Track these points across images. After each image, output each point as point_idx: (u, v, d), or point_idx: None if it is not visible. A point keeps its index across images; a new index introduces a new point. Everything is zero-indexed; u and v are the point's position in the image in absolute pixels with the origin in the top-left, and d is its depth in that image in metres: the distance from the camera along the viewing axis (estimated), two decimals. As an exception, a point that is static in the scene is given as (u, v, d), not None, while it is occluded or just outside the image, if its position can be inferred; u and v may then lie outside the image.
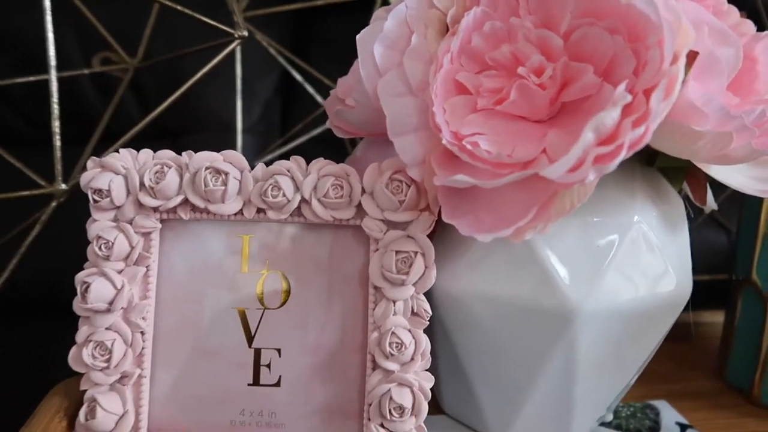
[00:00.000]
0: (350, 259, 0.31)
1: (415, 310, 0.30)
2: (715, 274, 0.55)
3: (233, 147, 0.56)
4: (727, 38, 0.26)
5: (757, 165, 0.32)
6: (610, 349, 0.31)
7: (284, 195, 0.30)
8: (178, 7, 0.41)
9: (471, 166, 0.26)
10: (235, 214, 0.31)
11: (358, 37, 0.30)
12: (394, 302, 0.30)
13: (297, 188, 0.30)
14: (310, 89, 0.59)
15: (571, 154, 0.23)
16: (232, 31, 0.40)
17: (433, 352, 0.35)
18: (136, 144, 0.59)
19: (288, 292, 0.31)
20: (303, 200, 0.30)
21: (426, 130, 0.29)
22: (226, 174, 0.30)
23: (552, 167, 0.24)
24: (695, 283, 0.59)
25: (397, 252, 0.29)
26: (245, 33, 0.40)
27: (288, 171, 0.30)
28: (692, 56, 0.25)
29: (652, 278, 0.31)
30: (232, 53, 0.50)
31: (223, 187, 0.30)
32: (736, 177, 0.31)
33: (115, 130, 0.52)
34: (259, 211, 0.30)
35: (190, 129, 0.69)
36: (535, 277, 0.30)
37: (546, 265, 0.29)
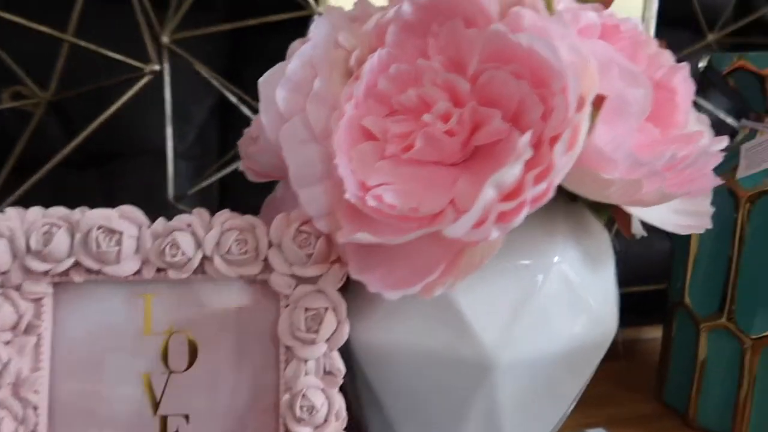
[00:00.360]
0: (260, 315, 0.29)
1: (328, 369, 0.28)
2: (661, 283, 0.55)
3: (165, 172, 0.54)
4: (637, 79, 0.25)
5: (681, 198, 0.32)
6: (535, 393, 0.30)
7: (183, 253, 0.28)
8: (81, 43, 0.38)
9: (376, 220, 0.25)
10: (134, 274, 0.28)
11: (260, 80, 0.28)
12: (306, 361, 0.28)
13: (198, 245, 0.28)
14: (247, 112, 0.56)
15: (471, 213, 0.22)
16: (141, 65, 0.38)
17: (360, 403, 0.34)
18: (63, 172, 0.56)
19: (195, 354, 0.29)
20: (205, 257, 0.28)
21: (332, 180, 0.27)
22: (120, 233, 0.27)
23: (453, 226, 0.22)
24: (640, 295, 0.60)
25: (306, 309, 0.28)
26: (156, 67, 0.38)
27: (189, 226, 0.28)
28: (600, 100, 0.24)
29: (574, 320, 0.30)
30: (160, 78, 0.48)
31: (117, 248, 0.27)
32: (657, 212, 0.30)
33: (41, 158, 0.49)
34: (160, 270, 0.28)
35: (120, 155, 0.66)
36: (452, 326, 0.28)
37: (462, 313, 0.28)
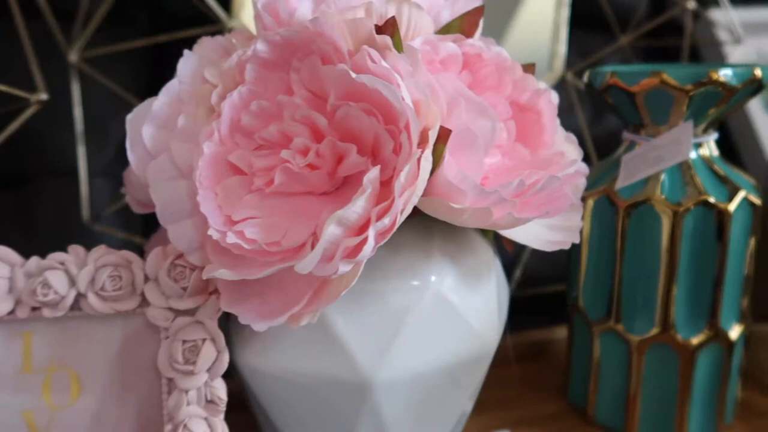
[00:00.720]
0: (143, 347, 0.30)
1: (209, 398, 0.29)
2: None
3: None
4: (484, 111, 0.26)
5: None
6: (420, 407, 0.32)
7: (56, 292, 0.28)
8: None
9: (240, 255, 0.26)
10: (9, 314, 0.28)
11: (128, 117, 0.29)
12: (187, 392, 0.28)
13: (72, 282, 0.28)
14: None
15: (316, 250, 0.23)
16: (26, 95, 0.37)
17: (259, 424, 0.35)
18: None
19: (78, 390, 0.29)
20: (80, 294, 0.28)
21: (201, 215, 0.27)
22: (-10, 274, 0.27)
23: (302, 263, 0.23)
24: (552, 295, 0.61)
25: (184, 341, 0.28)
26: (43, 96, 0.37)
27: (62, 264, 0.28)
28: (445, 134, 0.25)
29: (452, 338, 0.31)
30: (66, 94, 0.47)
31: (-14, 289, 0.27)
32: (527, 229, 0.31)
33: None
34: (35, 308, 0.28)
35: (36, 176, 0.64)
36: (330, 350, 0.29)
37: (339, 337, 0.29)
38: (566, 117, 0.49)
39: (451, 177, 0.25)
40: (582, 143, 0.64)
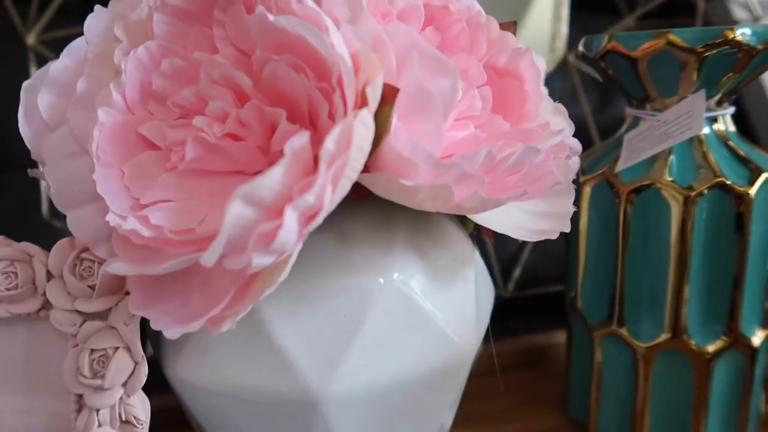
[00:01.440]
0: (51, 357, 0.25)
1: (124, 418, 0.24)
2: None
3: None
4: (443, 67, 0.21)
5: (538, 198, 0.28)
6: (382, 426, 0.27)
7: (-62, 292, 0.23)
8: None
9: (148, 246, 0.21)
10: None
11: (24, 84, 0.24)
12: (97, 411, 0.24)
13: (-39, 280, 0.24)
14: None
15: (219, 238, 0.18)
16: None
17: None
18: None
19: (-25, 406, 0.25)
20: (-30, 294, 0.24)
21: (107, 199, 0.23)
22: None
23: (205, 255, 0.18)
24: (549, 296, 0.56)
25: (92, 350, 0.24)
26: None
27: (-51, 258, 0.24)
28: (392, 93, 0.20)
29: (419, 344, 0.26)
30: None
31: None
32: (506, 217, 0.27)
33: None
34: None
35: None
36: (270, 360, 0.24)
37: (280, 345, 0.24)
38: (569, 104, 0.44)
39: (400, 147, 0.20)
40: (586, 132, 0.59)
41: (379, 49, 0.20)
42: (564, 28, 0.57)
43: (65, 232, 0.53)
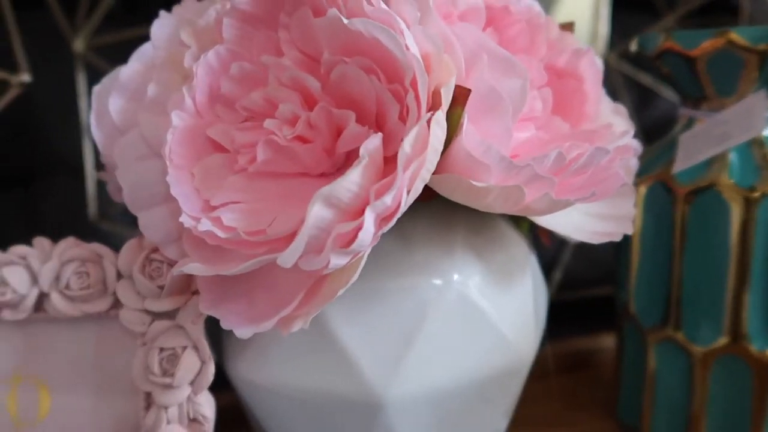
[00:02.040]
0: (119, 355, 0.26)
1: (192, 416, 0.25)
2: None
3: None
4: (511, 68, 0.21)
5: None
6: (443, 429, 0.27)
7: (15, 291, 0.24)
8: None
9: (219, 246, 0.21)
10: (-34, 316, 0.25)
11: (95, 88, 0.25)
12: (166, 408, 0.24)
13: (35, 280, 0.24)
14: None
15: (299, 239, 0.18)
16: (7, 77, 0.34)
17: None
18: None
19: (48, 404, 0.26)
20: (43, 293, 0.24)
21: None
22: (-58, 271, 0.24)
23: (284, 255, 0.19)
24: (595, 299, 0.55)
25: (161, 349, 0.24)
26: (25, 78, 0.34)
27: (23, 259, 0.25)
28: (463, 94, 0.20)
29: (479, 347, 0.26)
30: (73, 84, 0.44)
31: (-63, 288, 0.24)
32: (568, 218, 0.26)
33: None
34: (-5, 310, 0.25)
35: (45, 173, 0.62)
36: (333, 362, 0.25)
37: (343, 346, 0.24)
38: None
39: (471, 148, 0.20)
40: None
41: (448, 50, 0.20)
42: (604, 28, 0.56)
43: (111, 234, 0.54)
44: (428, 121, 0.19)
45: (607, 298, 0.54)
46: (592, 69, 0.26)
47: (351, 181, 0.18)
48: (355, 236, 0.18)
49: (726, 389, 0.33)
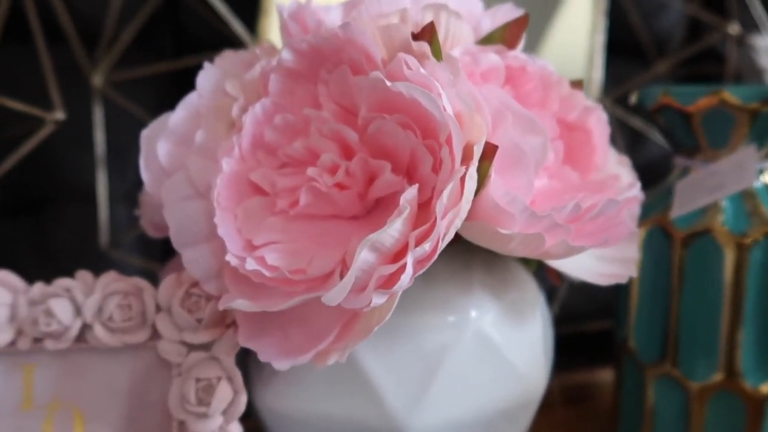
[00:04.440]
0: (154, 385, 0.27)
1: (224, 444, 0.26)
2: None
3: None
4: (533, 126, 0.23)
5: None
6: (458, 460, 0.28)
7: (60, 322, 0.25)
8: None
9: (261, 283, 0.23)
10: (9, 345, 0.26)
11: (143, 132, 0.27)
12: (199, 437, 0.26)
13: (78, 311, 0.26)
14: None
15: (346, 279, 0.20)
16: (42, 114, 0.36)
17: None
18: (-5, 220, 0.53)
19: (83, 430, 0.27)
20: (86, 325, 0.26)
21: (220, 239, 0.25)
22: (-10, 302, 0.25)
23: (329, 293, 0.20)
24: (593, 333, 0.57)
25: (197, 380, 0.25)
26: (59, 116, 0.36)
27: (68, 291, 0.26)
28: (491, 150, 0.22)
29: (495, 380, 0.28)
30: (89, 118, 0.46)
31: (-15, 318, 0.25)
32: (577, 261, 0.28)
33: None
34: (38, 340, 0.26)
35: (56, 200, 0.63)
36: (359, 393, 0.26)
37: (369, 379, 0.26)
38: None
39: (498, 198, 0.22)
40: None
41: (477, 109, 0.23)
42: (598, 75, 0.59)
43: (121, 264, 0.55)
44: (462, 176, 0.21)
45: (601, 332, 0.56)
46: (600, 124, 0.28)
47: (395, 229, 0.20)
48: (398, 278, 0.20)
49: (721, 424, 0.35)
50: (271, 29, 0.49)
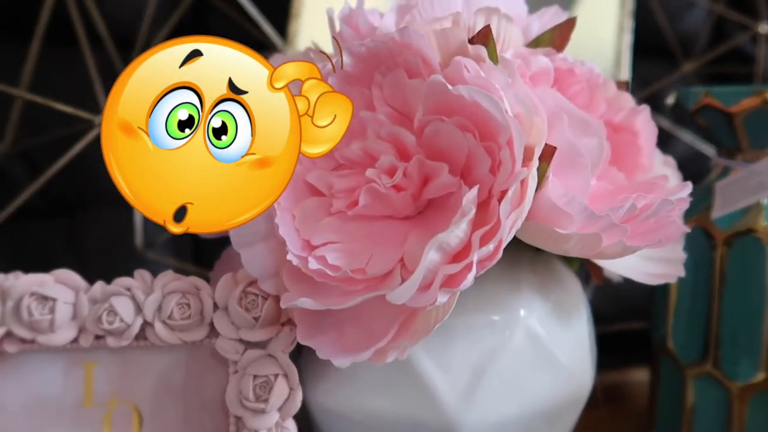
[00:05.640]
0: (209, 382, 0.28)
1: (280, 440, 0.26)
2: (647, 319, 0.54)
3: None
4: (589, 128, 0.23)
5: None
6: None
7: (122, 320, 0.26)
8: (27, 96, 0.37)
9: (321, 282, 0.23)
10: (72, 343, 0.27)
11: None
12: (257, 432, 0.26)
13: (139, 310, 0.26)
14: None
15: (413, 278, 0.20)
16: (89, 117, 0.37)
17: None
18: (30, 220, 0.54)
19: (139, 427, 0.27)
20: (146, 323, 0.26)
21: (277, 239, 0.25)
22: (54, 300, 0.26)
23: (395, 292, 0.21)
24: (626, 333, 0.57)
25: (255, 376, 0.26)
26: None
27: (128, 290, 0.27)
28: (550, 152, 0.23)
29: (544, 377, 0.28)
30: None
31: (50, 316, 0.26)
32: (626, 260, 0.28)
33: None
34: (99, 337, 0.27)
35: (89, 203, 0.64)
36: (412, 389, 0.27)
37: (422, 375, 0.26)
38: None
39: (556, 199, 0.22)
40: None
41: (535, 110, 0.23)
42: (626, 76, 0.59)
43: (156, 263, 0.56)
44: (524, 177, 0.21)
45: (627, 333, 0.56)
46: (647, 125, 0.29)
47: (461, 229, 0.20)
48: (463, 277, 0.20)
49: (763, 423, 0.35)
50: (301, 32, 0.50)
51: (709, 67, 0.64)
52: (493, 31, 0.26)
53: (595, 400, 0.44)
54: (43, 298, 0.26)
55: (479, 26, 0.26)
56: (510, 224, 0.21)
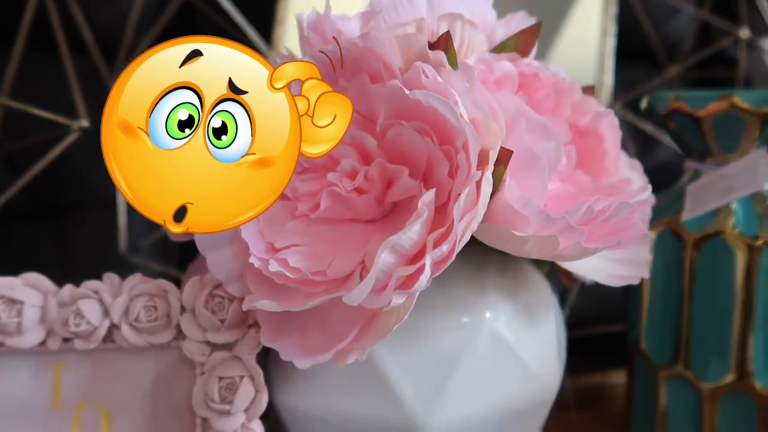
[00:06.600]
0: (177, 383, 0.28)
1: (246, 441, 0.27)
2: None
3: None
4: (547, 132, 0.24)
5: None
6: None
7: (89, 323, 0.26)
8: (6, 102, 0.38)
9: (283, 284, 0.24)
10: (39, 345, 0.27)
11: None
12: (222, 434, 0.26)
13: (106, 312, 0.27)
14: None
15: (367, 280, 0.21)
16: (68, 122, 0.37)
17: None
18: (16, 223, 0.55)
19: (108, 429, 0.28)
20: (113, 325, 0.27)
21: (242, 242, 0.26)
22: (22, 303, 0.26)
23: (351, 293, 0.21)
24: (606, 336, 0.58)
25: (220, 378, 0.26)
26: (85, 123, 0.37)
27: (96, 293, 0.27)
28: (506, 155, 0.23)
29: (509, 379, 0.28)
30: None
31: (17, 319, 0.26)
32: (590, 263, 0.29)
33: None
34: (67, 340, 0.27)
35: (76, 205, 0.65)
36: (377, 390, 0.27)
37: (387, 377, 0.27)
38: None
39: (512, 202, 0.23)
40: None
41: (492, 115, 0.23)
42: (609, 79, 0.59)
43: (140, 268, 0.56)
44: (478, 180, 0.21)
45: (609, 336, 0.56)
46: (611, 129, 0.29)
47: (414, 231, 0.21)
48: (416, 279, 0.21)
49: (733, 424, 0.35)
50: (286, 38, 0.50)
51: (693, 71, 0.64)
52: (457, 37, 0.26)
53: (566, 403, 0.44)
54: (11, 301, 0.26)
55: (443, 31, 0.26)
56: (463, 226, 0.21)
